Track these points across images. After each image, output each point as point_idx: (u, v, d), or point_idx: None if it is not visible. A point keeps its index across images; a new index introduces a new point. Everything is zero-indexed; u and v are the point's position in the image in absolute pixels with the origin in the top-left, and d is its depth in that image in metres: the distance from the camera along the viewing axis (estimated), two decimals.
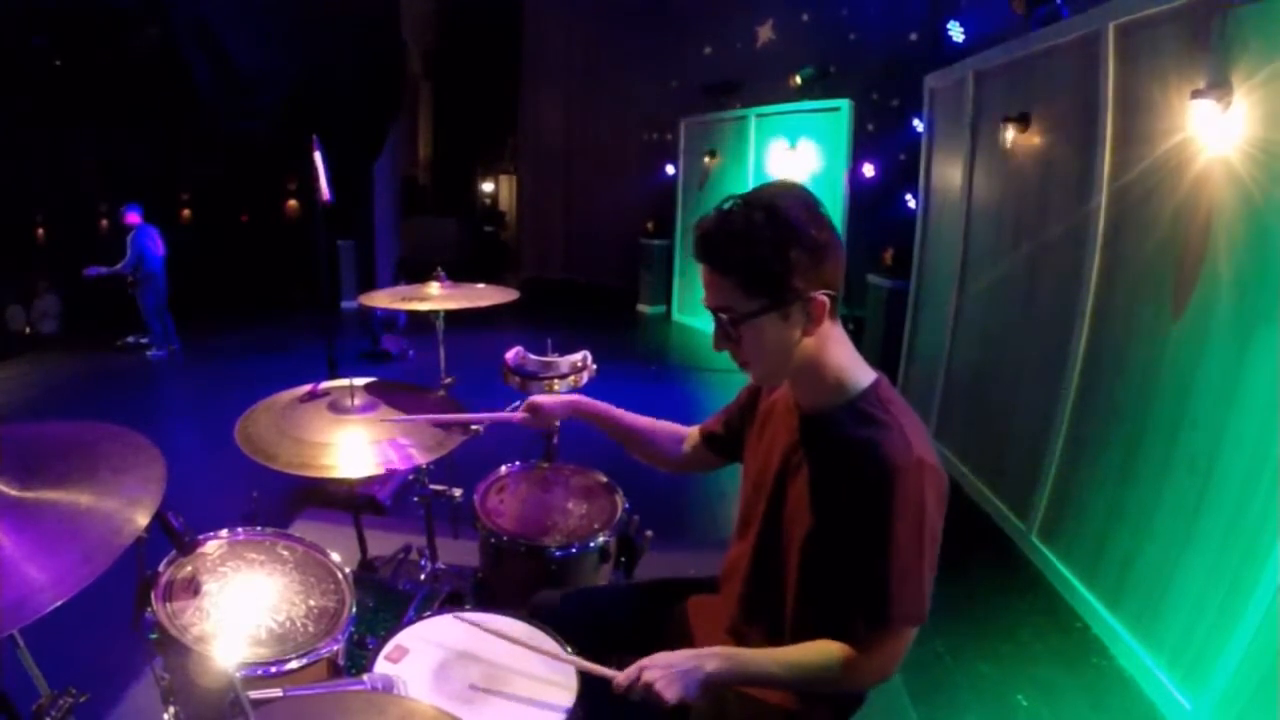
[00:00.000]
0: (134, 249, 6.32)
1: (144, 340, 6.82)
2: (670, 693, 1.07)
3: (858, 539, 1.09)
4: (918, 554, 1.07)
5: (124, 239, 6.39)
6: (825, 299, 1.11)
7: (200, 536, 1.47)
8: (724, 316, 1.14)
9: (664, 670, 1.09)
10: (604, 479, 2.11)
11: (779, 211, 1.09)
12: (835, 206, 6.20)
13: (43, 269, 7.64)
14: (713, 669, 1.11)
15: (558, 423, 1.83)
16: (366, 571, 2.45)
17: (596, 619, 1.51)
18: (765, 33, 8.18)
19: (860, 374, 1.18)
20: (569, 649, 1.34)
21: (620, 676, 1.12)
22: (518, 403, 1.75)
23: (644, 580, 1.66)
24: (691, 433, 1.59)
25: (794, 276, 1.09)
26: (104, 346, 6.95)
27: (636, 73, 9.51)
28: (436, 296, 2.51)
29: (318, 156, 2.91)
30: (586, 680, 1.25)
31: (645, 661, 1.11)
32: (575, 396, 1.65)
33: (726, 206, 1.13)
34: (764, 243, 1.08)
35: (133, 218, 6.41)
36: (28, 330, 7.39)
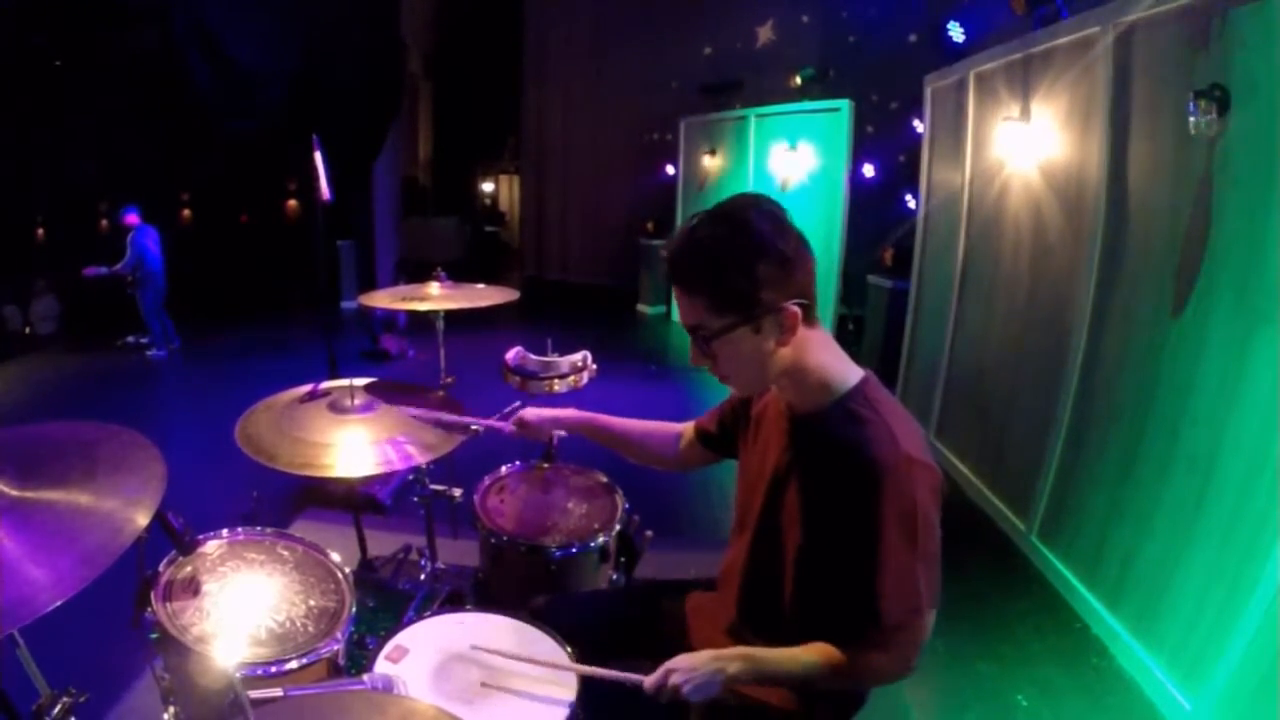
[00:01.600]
0: (133, 249, 6.33)
1: (144, 340, 6.82)
2: (697, 695, 1.10)
3: (849, 540, 1.09)
4: (910, 551, 1.07)
5: (123, 239, 6.40)
6: (797, 309, 1.11)
7: (200, 536, 1.47)
8: (698, 334, 1.15)
9: (689, 674, 1.11)
10: (604, 479, 2.11)
11: (744, 226, 1.09)
12: (835, 206, 6.20)
13: (41, 269, 7.63)
14: (735, 671, 1.12)
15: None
16: (366, 571, 2.45)
17: (595, 622, 1.51)
18: (765, 33, 8.19)
19: (846, 373, 1.18)
20: (569, 650, 1.34)
21: (648, 681, 1.13)
22: (516, 404, 1.75)
23: (642, 582, 1.66)
24: (686, 430, 1.60)
25: (763, 291, 1.09)
26: (103, 347, 6.95)
27: (636, 72, 9.51)
28: (436, 296, 2.51)
29: (318, 156, 2.91)
30: (586, 680, 1.25)
31: (670, 665, 1.13)
32: (563, 412, 1.65)
33: (692, 224, 1.13)
34: (730, 260, 1.08)
35: (131, 219, 6.42)
36: (27, 330, 7.38)
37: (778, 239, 1.09)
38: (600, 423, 1.61)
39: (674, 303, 7.69)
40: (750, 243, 1.08)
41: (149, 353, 6.69)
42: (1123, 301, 2.68)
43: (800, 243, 1.12)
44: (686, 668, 1.12)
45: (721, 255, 1.09)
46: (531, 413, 1.63)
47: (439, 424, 1.71)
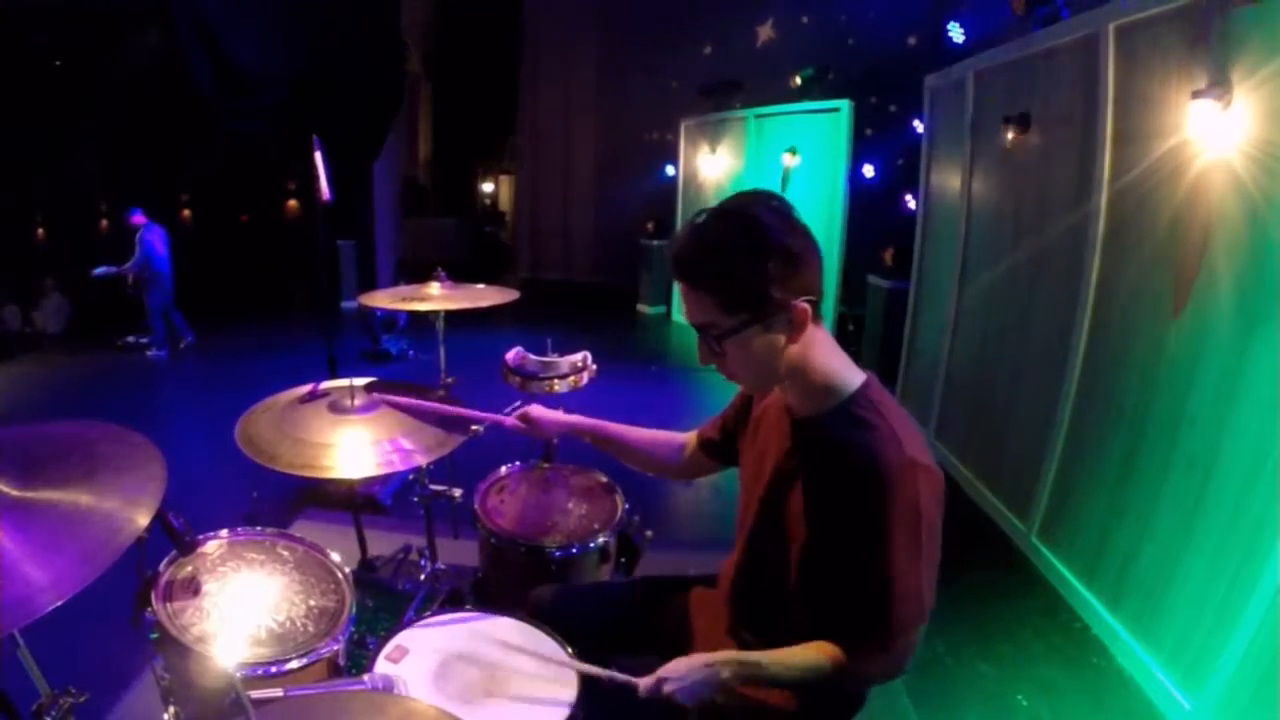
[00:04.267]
0: (141, 249, 6.36)
1: (143, 340, 6.83)
2: (690, 701, 1.11)
3: (853, 544, 1.09)
4: (914, 556, 1.07)
5: (124, 238, 6.43)
6: (806, 305, 1.11)
7: (200, 536, 1.47)
8: (708, 332, 1.14)
9: (681, 680, 1.11)
10: (604, 479, 2.11)
11: (752, 223, 1.08)
12: (835, 207, 6.20)
13: (41, 269, 7.64)
14: (728, 675, 1.13)
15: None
16: (366, 571, 2.45)
17: (596, 616, 1.51)
18: (765, 32, 8.19)
19: (849, 375, 1.18)
20: (570, 651, 1.34)
21: (643, 687, 1.14)
22: (517, 403, 1.75)
23: (644, 578, 1.66)
24: (689, 439, 1.59)
25: (772, 287, 1.08)
26: (105, 346, 6.96)
27: (636, 72, 9.51)
28: (436, 296, 2.51)
29: (318, 156, 2.91)
30: (586, 679, 1.25)
31: (664, 672, 1.13)
32: (570, 416, 1.65)
33: (699, 220, 1.12)
34: (740, 258, 1.07)
35: (137, 219, 6.46)
36: (27, 330, 7.38)
37: (786, 235, 1.08)
38: (606, 431, 1.60)
39: (674, 303, 7.73)
40: (760, 240, 1.07)
41: (149, 353, 6.69)
42: (1123, 301, 2.68)
43: (808, 239, 1.12)
44: (679, 673, 1.12)
45: (732, 253, 1.08)
46: (538, 410, 1.62)
47: (440, 416, 1.70)
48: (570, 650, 1.34)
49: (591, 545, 1.84)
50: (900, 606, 1.07)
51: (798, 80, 6.98)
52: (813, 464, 1.18)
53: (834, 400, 1.16)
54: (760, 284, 1.07)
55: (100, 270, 6.37)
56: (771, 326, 1.11)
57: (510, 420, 1.62)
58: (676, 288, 1.19)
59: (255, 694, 0.99)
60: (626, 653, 1.36)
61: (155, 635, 1.28)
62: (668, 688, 1.11)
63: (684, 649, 1.19)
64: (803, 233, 1.11)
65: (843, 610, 1.13)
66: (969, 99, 3.88)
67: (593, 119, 10.37)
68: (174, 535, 1.28)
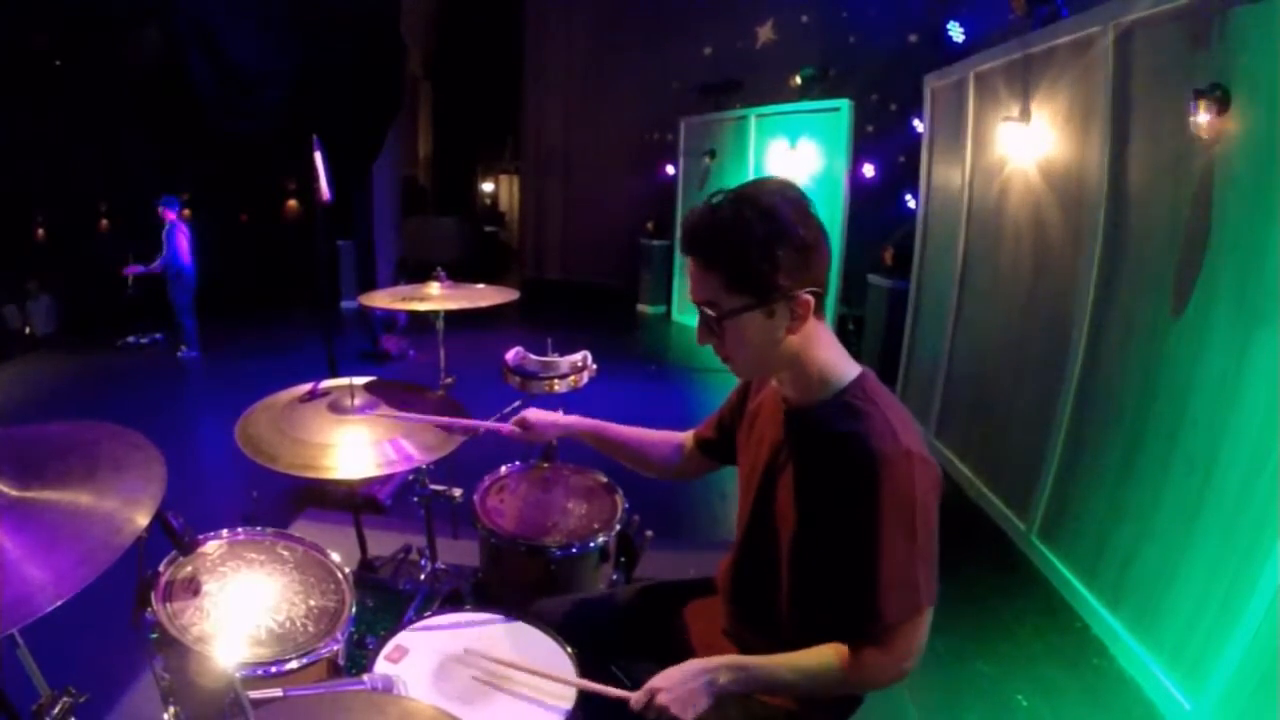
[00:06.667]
0: (166, 246, 6.38)
1: (143, 341, 6.85)
2: (685, 712, 1.08)
3: (846, 533, 1.08)
4: (908, 547, 1.06)
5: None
6: (810, 298, 1.11)
7: (200, 536, 1.47)
8: (709, 311, 1.14)
9: (676, 689, 1.09)
10: (604, 479, 2.11)
11: (768, 209, 1.08)
12: (835, 206, 6.20)
13: (38, 269, 7.64)
14: (724, 681, 1.11)
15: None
16: (366, 571, 2.45)
17: (597, 626, 1.51)
18: (765, 33, 8.19)
19: (846, 368, 1.18)
20: (569, 651, 1.34)
21: (634, 699, 1.12)
22: (517, 403, 1.75)
23: (642, 585, 1.65)
24: (687, 439, 1.59)
25: (780, 275, 1.08)
26: (103, 346, 6.96)
27: (636, 73, 9.51)
28: (436, 296, 2.51)
29: (318, 156, 2.91)
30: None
31: (656, 682, 1.11)
32: (567, 417, 1.64)
33: (716, 201, 1.13)
34: (752, 240, 1.08)
35: (168, 215, 6.41)
36: (27, 330, 7.38)
37: (800, 225, 1.09)
38: (604, 432, 1.59)
39: (675, 302, 7.69)
40: (774, 226, 1.07)
41: (179, 353, 6.65)
42: (1123, 301, 2.68)
43: (820, 232, 1.12)
44: (672, 682, 1.10)
45: (744, 235, 1.08)
46: (535, 414, 1.61)
47: (438, 427, 1.70)
48: (569, 650, 1.34)
49: (591, 545, 1.84)
50: (892, 597, 1.06)
51: (798, 80, 6.98)
52: (805, 453, 1.18)
53: (829, 391, 1.16)
54: (769, 270, 1.08)
55: (130, 269, 6.44)
56: (773, 313, 1.11)
57: (507, 428, 1.62)
58: (681, 261, 1.19)
59: (255, 694, 0.99)
60: (626, 659, 1.36)
61: (155, 635, 1.28)
62: (660, 699, 1.08)
63: (681, 653, 1.18)
64: (816, 225, 1.11)
65: (835, 602, 1.11)
66: (969, 99, 3.88)
67: (593, 119, 10.36)
68: (174, 535, 1.28)
